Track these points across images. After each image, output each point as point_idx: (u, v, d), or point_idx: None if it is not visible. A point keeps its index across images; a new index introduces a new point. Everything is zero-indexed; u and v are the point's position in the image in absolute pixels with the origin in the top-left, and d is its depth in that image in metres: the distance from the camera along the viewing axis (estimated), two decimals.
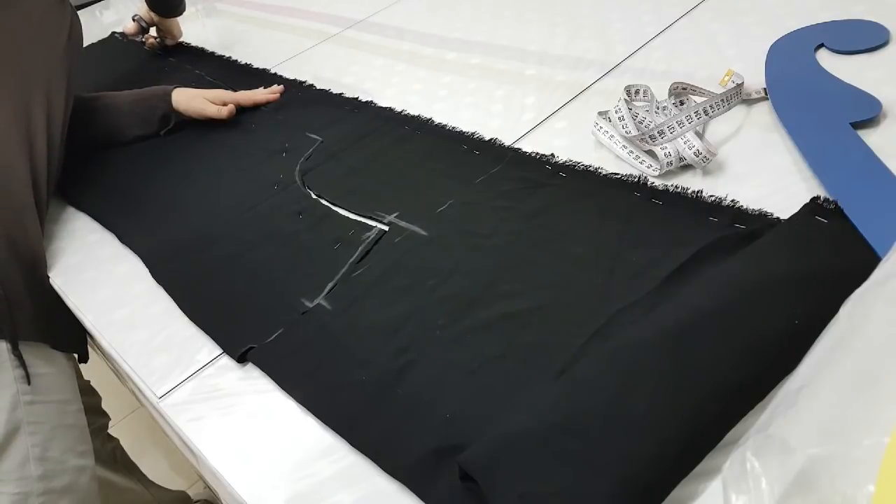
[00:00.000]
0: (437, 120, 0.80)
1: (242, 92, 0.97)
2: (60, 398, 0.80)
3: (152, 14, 1.22)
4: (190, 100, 0.93)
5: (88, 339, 0.81)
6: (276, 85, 0.98)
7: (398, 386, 0.49)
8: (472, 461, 0.39)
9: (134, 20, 1.25)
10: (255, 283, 0.63)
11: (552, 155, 0.68)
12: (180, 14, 1.22)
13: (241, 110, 0.95)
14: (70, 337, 0.80)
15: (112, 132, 0.94)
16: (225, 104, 0.93)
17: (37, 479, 0.76)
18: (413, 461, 0.43)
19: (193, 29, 1.42)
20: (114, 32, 1.42)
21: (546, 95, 0.80)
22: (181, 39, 1.30)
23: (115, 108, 0.94)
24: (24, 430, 0.76)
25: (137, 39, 1.27)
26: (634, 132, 0.65)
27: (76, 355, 0.85)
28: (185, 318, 0.62)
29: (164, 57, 1.27)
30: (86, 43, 1.43)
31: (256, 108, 0.96)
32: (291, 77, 1.02)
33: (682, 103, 0.70)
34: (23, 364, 0.75)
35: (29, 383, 0.76)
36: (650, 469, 0.36)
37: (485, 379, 0.47)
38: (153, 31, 1.28)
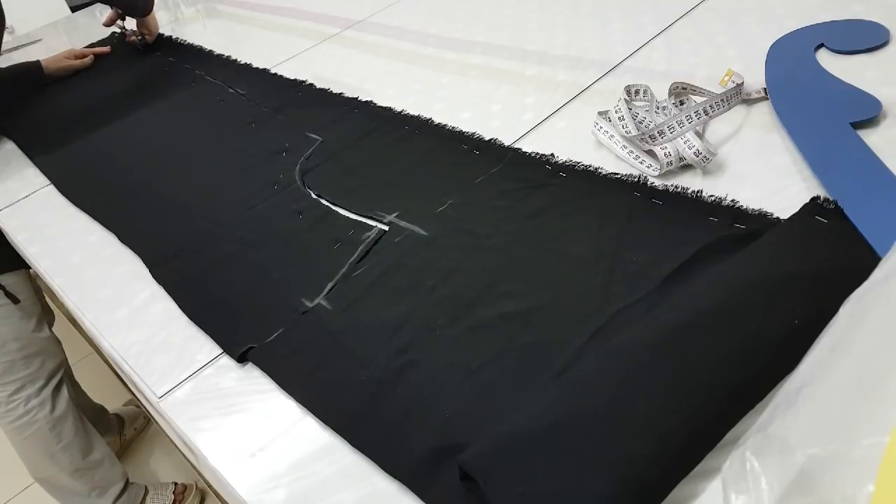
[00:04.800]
0: (437, 120, 0.80)
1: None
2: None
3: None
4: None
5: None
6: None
7: (398, 386, 0.49)
8: (472, 461, 0.39)
9: (112, 9, 1.31)
10: (255, 283, 0.63)
11: (552, 155, 0.68)
12: (146, 15, 1.27)
13: (241, 109, 0.95)
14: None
15: None
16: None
17: None
18: (413, 461, 0.43)
19: (194, 29, 1.42)
20: (113, 33, 1.42)
21: (546, 95, 0.80)
22: (181, 38, 1.30)
23: None
24: None
25: (113, 28, 1.35)
26: (634, 132, 0.65)
27: None
28: (185, 318, 0.62)
29: (164, 56, 1.28)
30: (86, 43, 1.44)
31: (256, 107, 0.96)
32: (291, 77, 1.02)
33: (682, 103, 0.70)
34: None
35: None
36: (650, 469, 0.36)
37: (485, 379, 0.47)
38: (130, 24, 1.32)
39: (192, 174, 0.85)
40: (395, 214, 0.66)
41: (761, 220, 0.53)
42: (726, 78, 0.72)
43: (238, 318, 0.60)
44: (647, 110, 0.70)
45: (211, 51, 1.22)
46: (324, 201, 0.72)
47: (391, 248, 0.62)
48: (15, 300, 1.06)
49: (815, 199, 0.52)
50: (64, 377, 1.18)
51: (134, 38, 1.32)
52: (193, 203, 0.78)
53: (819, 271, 0.44)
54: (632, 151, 0.65)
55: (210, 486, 1.23)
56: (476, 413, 0.45)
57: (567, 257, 0.55)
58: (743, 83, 0.68)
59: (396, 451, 0.44)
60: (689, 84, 0.71)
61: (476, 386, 0.47)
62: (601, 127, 0.68)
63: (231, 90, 1.04)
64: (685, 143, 0.61)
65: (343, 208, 0.70)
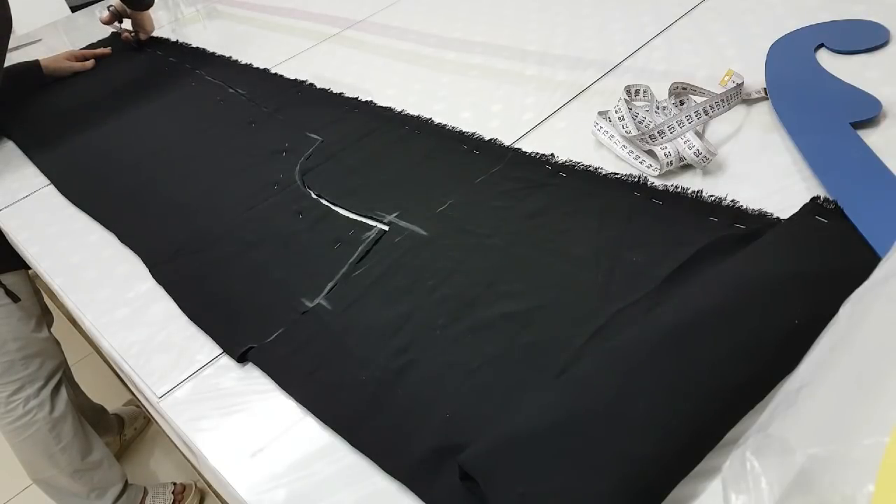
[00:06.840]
0: (437, 120, 0.80)
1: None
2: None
3: (125, 6, 1.31)
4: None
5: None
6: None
7: (398, 386, 0.49)
8: (472, 461, 0.39)
9: (109, 10, 1.34)
10: (255, 283, 0.63)
11: (552, 155, 0.68)
12: (148, 7, 1.30)
13: (241, 109, 0.95)
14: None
15: None
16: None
17: None
18: (413, 461, 0.43)
19: (194, 30, 1.42)
20: (113, 32, 1.42)
21: (546, 95, 0.80)
22: (181, 38, 1.30)
23: None
24: None
25: (111, 27, 1.37)
26: (634, 132, 0.65)
27: None
28: (185, 318, 0.62)
29: (164, 56, 1.28)
30: (86, 43, 1.44)
31: (256, 107, 0.96)
32: (291, 77, 1.02)
33: (682, 103, 0.70)
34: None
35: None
36: (650, 469, 0.36)
37: (485, 379, 0.47)
38: (127, 25, 1.35)
39: (192, 174, 0.85)
40: (394, 214, 0.66)
41: (761, 220, 0.53)
42: (726, 78, 0.72)
43: (238, 318, 0.60)
44: (647, 110, 0.70)
45: (212, 52, 1.22)
46: (324, 201, 0.72)
47: (391, 248, 0.62)
48: (15, 298, 1.06)
49: (815, 199, 0.52)
50: (63, 378, 1.18)
51: (128, 35, 1.34)
52: (193, 203, 0.78)
53: (819, 271, 0.44)
54: (632, 151, 0.65)
55: (210, 485, 1.24)
56: (476, 413, 0.45)
57: (567, 257, 0.55)
58: (743, 83, 0.68)
59: (396, 451, 0.44)
60: (689, 84, 0.71)
61: (476, 386, 0.47)
62: (601, 127, 0.68)
63: (231, 90, 1.04)
64: (685, 143, 0.61)
65: (343, 208, 0.70)
